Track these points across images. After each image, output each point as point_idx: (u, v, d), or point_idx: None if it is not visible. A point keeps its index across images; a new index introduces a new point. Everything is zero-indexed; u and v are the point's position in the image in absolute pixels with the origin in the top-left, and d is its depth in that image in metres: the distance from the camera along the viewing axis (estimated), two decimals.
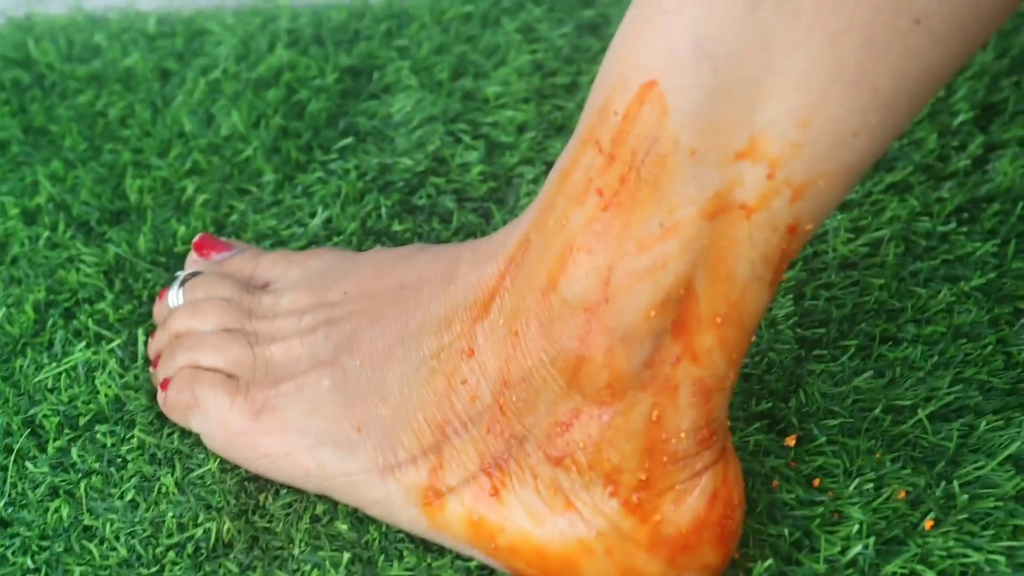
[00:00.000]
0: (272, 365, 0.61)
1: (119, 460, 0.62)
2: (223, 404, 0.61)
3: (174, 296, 0.65)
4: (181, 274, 0.66)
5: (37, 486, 0.62)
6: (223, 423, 0.61)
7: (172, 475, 0.61)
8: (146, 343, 0.66)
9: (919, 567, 0.55)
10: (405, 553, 0.58)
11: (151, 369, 0.65)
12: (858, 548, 0.56)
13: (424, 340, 0.57)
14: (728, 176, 0.48)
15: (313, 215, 0.73)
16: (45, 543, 0.60)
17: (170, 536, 0.59)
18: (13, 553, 0.59)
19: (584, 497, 0.53)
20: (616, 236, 0.50)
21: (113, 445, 0.63)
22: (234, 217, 0.73)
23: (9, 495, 0.61)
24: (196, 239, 0.68)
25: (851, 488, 0.58)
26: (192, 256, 0.68)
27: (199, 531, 0.59)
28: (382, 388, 0.58)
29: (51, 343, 0.67)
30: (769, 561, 0.56)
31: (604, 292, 0.50)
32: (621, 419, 0.52)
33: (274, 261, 0.66)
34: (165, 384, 0.63)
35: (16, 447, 0.63)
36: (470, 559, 0.57)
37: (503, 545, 0.55)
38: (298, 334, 0.61)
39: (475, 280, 0.56)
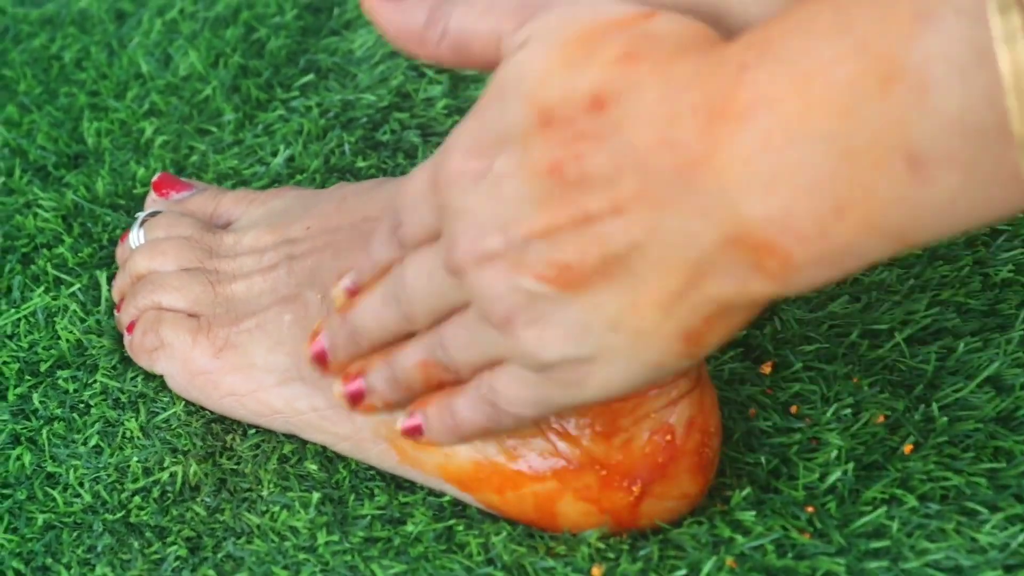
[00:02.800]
0: (234, 302, 0.59)
1: (82, 406, 0.61)
2: (185, 343, 0.59)
3: (135, 236, 0.64)
4: (141, 215, 0.65)
5: None
6: (185, 363, 0.59)
7: (136, 419, 0.60)
8: (110, 286, 0.65)
9: (899, 491, 0.54)
10: (376, 492, 0.57)
11: (116, 312, 0.63)
12: (837, 474, 0.55)
13: None
14: None
15: (275, 154, 0.72)
16: (7, 491, 0.58)
17: (135, 481, 0.58)
18: None
19: (557, 427, 0.52)
20: None
21: (75, 391, 0.62)
22: (194, 158, 0.72)
23: None
24: (155, 178, 0.66)
25: (828, 414, 0.57)
26: (152, 196, 0.66)
27: (165, 475, 0.58)
28: None
29: (9, 289, 0.66)
30: (747, 489, 0.55)
31: None
32: None
33: (235, 200, 0.64)
34: (131, 327, 0.61)
35: None
36: (442, 495, 0.56)
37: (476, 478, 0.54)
38: (260, 271, 0.59)
39: None
